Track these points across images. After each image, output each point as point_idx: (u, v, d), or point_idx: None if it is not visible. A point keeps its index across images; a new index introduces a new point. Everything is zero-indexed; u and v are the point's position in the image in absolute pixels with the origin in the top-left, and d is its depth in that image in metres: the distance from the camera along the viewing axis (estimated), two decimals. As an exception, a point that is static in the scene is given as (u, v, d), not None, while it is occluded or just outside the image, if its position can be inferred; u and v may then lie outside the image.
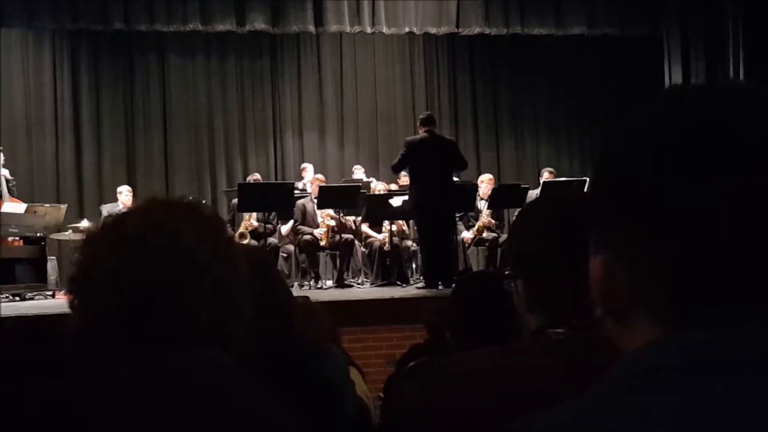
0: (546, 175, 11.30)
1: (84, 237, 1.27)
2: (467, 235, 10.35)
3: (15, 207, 9.62)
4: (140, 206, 1.27)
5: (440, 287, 8.24)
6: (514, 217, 1.65)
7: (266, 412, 0.84)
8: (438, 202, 8.38)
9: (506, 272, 1.46)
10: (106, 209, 10.40)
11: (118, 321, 1.14)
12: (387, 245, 9.88)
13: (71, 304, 1.21)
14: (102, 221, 1.33)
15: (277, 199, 9.52)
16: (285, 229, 10.10)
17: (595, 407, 0.65)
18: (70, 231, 10.12)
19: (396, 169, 9.05)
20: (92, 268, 1.20)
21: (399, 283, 9.45)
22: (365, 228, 10.35)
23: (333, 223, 9.85)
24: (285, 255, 10.04)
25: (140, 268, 1.16)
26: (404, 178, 10.33)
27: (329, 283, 10.07)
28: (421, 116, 9.06)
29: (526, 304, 1.41)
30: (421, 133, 8.67)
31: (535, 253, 1.39)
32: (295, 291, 8.64)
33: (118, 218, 1.26)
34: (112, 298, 1.15)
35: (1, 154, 9.83)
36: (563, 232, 1.31)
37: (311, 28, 11.41)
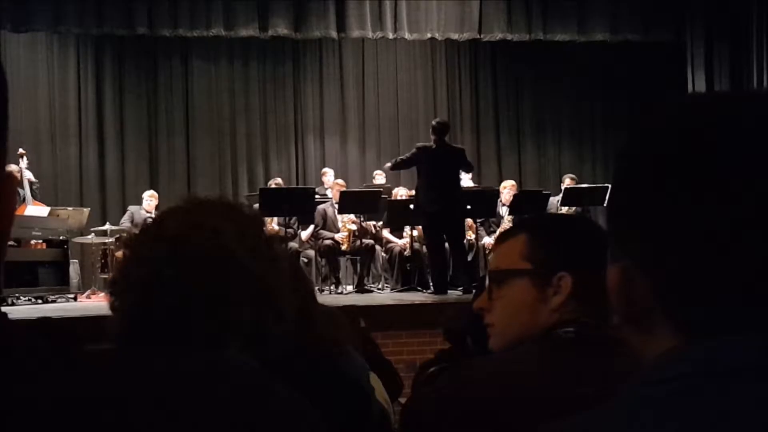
0: (567, 182, 11.27)
1: (125, 239, 1.28)
2: (488, 240, 10.32)
3: (38, 210, 9.70)
4: (180, 206, 1.27)
5: (461, 293, 8.25)
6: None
7: (294, 417, 0.84)
8: (444, 210, 8.43)
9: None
10: (133, 209, 10.46)
11: (159, 322, 1.14)
12: (408, 250, 9.88)
13: (112, 306, 1.21)
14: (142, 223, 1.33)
15: (299, 203, 9.54)
16: (305, 234, 10.13)
17: (618, 417, 0.65)
18: (93, 234, 10.20)
19: (394, 168, 9.34)
20: (133, 269, 1.20)
21: (419, 288, 9.44)
22: (386, 233, 10.36)
23: (354, 227, 9.86)
24: (306, 260, 10.05)
25: (180, 269, 1.16)
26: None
27: (350, 288, 10.08)
28: (432, 123, 9.07)
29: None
30: (432, 140, 8.73)
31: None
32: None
33: (158, 219, 1.26)
34: (152, 298, 1.15)
35: (26, 158, 9.91)
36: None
37: (333, 34, 11.44)
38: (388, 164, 9.77)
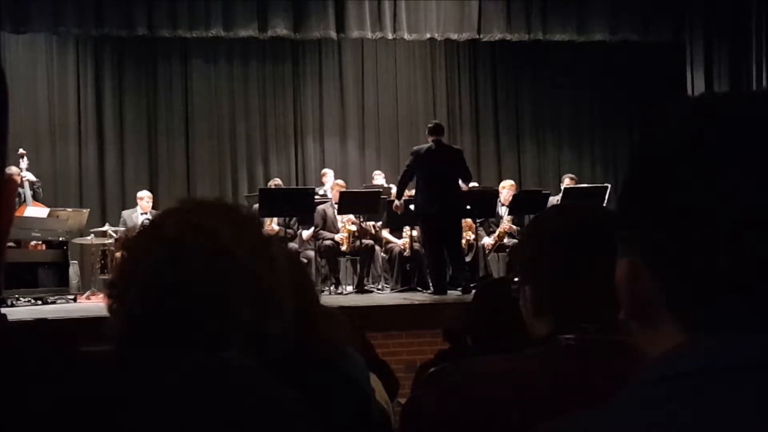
0: (567, 182, 11.27)
1: (123, 241, 1.28)
2: (488, 241, 10.32)
3: (38, 211, 9.69)
4: (177, 208, 1.27)
5: (460, 293, 8.25)
6: (528, 223, 1.69)
7: (294, 417, 0.84)
8: (442, 211, 8.43)
9: (515, 278, 1.48)
10: (125, 215, 10.45)
11: (159, 323, 1.14)
12: (407, 251, 9.88)
13: (110, 309, 1.21)
14: (140, 225, 1.32)
15: (298, 204, 9.55)
16: (306, 234, 10.13)
17: (617, 416, 0.65)
18: (92, 235, 10.19)
19: (403, 180, 9.01)
20: (131, 272, 1.20)
21: (419, 288, 9.44)
22: (386, 233, 10.36)
23: (354, 228, 9.86)
24: (305, 260, 10.05)
25: (179, 270, 1.16)
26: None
27: (349, 288, 10.08)
28: (429, 125, 9.12)
29: (533, 309, 1.42)
30: (429, 141, 8.72)
31: (548, 257, 1.41)
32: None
33: (156, 221, 1.26)
34: (151, 300, 1.15)
35: (26, 158, 9.91)
36: (578, 239, 1.36)
37: (333, 34, 11.45)
38: (400, 178, 9.43)
